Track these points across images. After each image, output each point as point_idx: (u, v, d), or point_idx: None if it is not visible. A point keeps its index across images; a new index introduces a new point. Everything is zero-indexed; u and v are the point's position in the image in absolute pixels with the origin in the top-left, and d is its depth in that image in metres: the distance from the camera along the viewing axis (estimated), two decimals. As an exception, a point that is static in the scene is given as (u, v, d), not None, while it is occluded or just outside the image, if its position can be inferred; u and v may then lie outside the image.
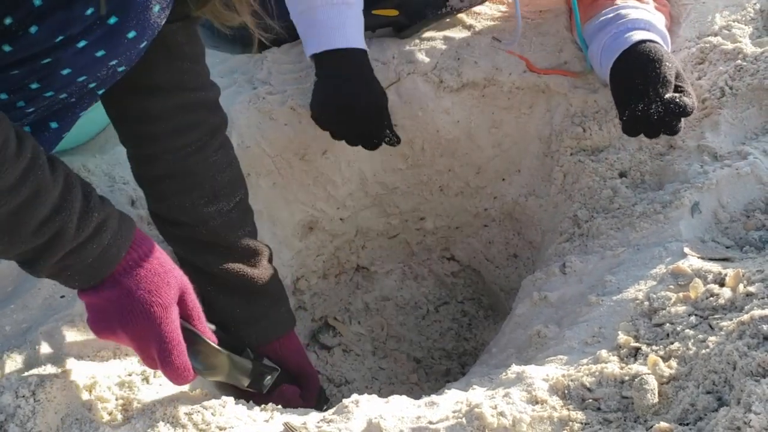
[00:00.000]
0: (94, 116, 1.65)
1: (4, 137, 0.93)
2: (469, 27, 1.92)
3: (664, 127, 1.46)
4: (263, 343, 1.45)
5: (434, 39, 1.88)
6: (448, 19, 1.92)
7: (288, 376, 1.49)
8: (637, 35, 1.57)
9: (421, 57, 1.85)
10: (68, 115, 1.18)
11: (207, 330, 1.18)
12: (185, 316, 1.14)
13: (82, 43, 1.03)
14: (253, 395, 1.37)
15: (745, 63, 1.62)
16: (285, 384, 1.46)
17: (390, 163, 1.93)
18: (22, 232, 0.97)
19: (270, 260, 1.48)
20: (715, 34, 1.72)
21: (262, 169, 1.81)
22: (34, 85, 1.05)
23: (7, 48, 0.99)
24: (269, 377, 1.39)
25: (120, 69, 1.12)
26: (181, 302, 1.13)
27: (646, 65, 1.50)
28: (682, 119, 1.46)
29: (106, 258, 1.05)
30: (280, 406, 1.23)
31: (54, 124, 1.18)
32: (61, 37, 1.01)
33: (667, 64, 1.50)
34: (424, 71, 1.84)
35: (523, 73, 1.82)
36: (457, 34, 1.90)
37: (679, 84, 1.49)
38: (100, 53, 1.05)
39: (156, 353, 1.09)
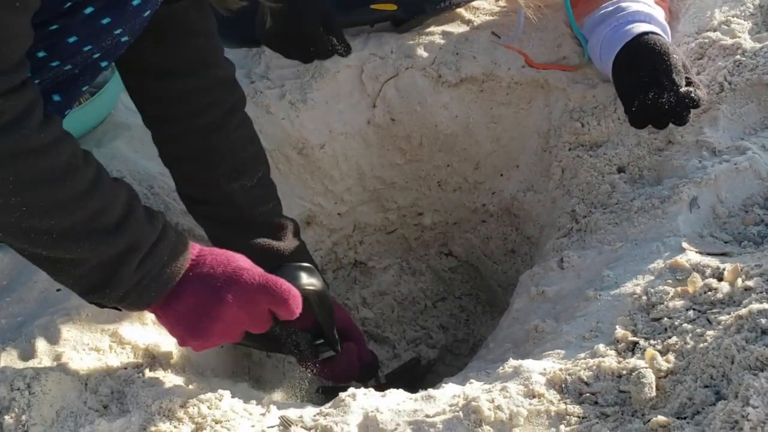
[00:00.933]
0: (92, 110, 1.65)
1: (73, 148, 1.00)
2: (467, 22, 1.91)
3: (674, 117, 1.45)
4: None
5: (433, 34, 1.88)
6: (446, 14, 1.92)
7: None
8: (639, 27, 1.56)
9: (420, 52, 1.84)
10: (71, 89, 1.20)
11: None
12: None
13: (89, 10, 1.05)
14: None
15: (744, 58, 1.61)
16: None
17: (388, 157, 1.93)
18: (101, 233, 1.02)
19: (296, 233, 1.50)
20: (714, 30, 1.72)
21: (260, 164, 1.80)
22: (40, 54, 1.07)
23: None
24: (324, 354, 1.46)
25: (123, 39, 1.14)
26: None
27: (653, 56, 1.49)
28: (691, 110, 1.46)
29: (176, 253, 1.11)
30: (276, 400, 1.22)
31: (57, 97, 1.20)
32: (69, 4, 1.03)
33: (674, 56, 1.50)
34: (422, 66, 1.83)
35: (521, 68, 1.82)
36: (456, 28, 1.89)
37: (688, 76, 1.49)
38: (105, 20, 1.07)
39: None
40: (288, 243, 1.46)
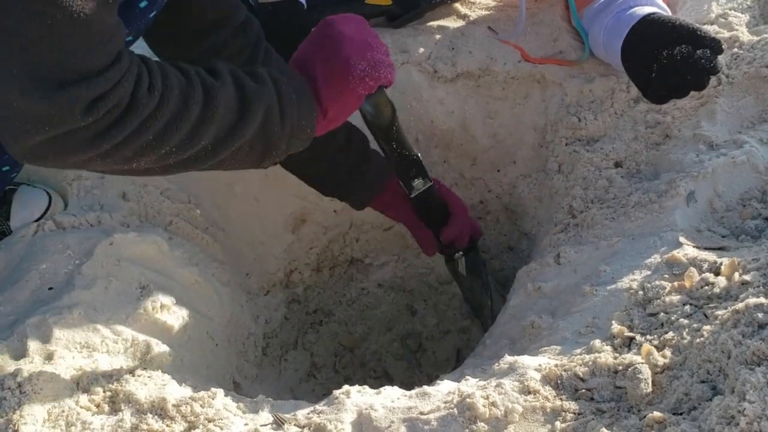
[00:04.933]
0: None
1: (180, 88, 1.03)
2: (463, 16, 1.90)
3: (698, 75, 1.41)
4: None
5: (428, 28, 1.87)
6: (442, 9, 1.91)
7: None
8: (643, 9, 1.55)
9: (415, 47, 1.83)
10: None
11: None
12: None
13: None
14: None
15: (741, 51, 1.60)
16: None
17: (384, 154, 1.91)
18: (230, 126, 1.10)
19: None
20: (712, 23, 1.71)
21: (255, 161, 1.79)
22: None
23: None
24: (419, 181, 1.54)
25: (128, 39, 1.14)
26: None
27: (667, 27, 1.46)
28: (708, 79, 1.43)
29: (299, 91, 1.19)
30: (270, 399, 1.21)
31: None
32: None
33: (689, 22, 1.47)
34: (418, 61, 1.82)
35: (517, 62, 1.80)
36: (452, 23, 1.88)
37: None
38: None
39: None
40: None
